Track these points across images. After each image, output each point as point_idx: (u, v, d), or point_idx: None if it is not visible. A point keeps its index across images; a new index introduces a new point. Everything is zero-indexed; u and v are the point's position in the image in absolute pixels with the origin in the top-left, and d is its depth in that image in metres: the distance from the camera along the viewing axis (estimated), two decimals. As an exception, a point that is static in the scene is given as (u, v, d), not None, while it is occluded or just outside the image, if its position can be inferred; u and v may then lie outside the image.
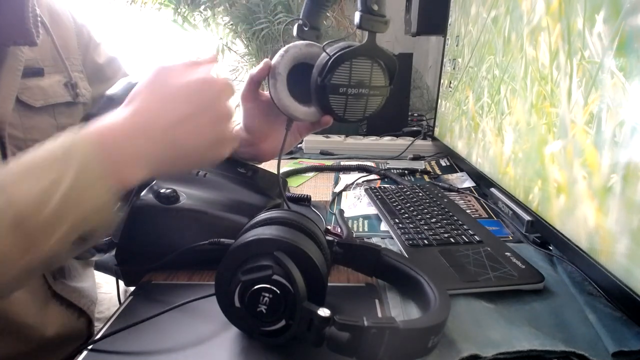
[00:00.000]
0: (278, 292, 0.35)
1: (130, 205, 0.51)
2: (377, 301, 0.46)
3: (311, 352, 0.37)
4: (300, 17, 0.60)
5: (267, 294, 0.35)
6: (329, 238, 0.46)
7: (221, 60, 1.95)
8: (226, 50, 1.92)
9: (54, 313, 0.57)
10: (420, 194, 0.75)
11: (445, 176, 0.95)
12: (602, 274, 0.45)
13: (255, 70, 0.57)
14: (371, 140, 1.20)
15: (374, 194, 0.76)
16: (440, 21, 1.13)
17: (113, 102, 0.51)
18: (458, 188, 0.84)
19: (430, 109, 1.56)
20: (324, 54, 0.53)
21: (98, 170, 0.33)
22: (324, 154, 1.17)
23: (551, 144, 0.57)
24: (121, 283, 0.56)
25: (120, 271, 0.54)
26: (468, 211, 0.71)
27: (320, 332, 0.33)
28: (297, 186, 0.89)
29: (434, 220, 0.64)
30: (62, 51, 0.59)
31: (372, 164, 1.03)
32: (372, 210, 0.73)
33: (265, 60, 0.57)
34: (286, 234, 0.38)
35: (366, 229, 0.68)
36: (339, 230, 0.64)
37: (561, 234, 0.54)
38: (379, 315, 0.44)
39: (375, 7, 0.50)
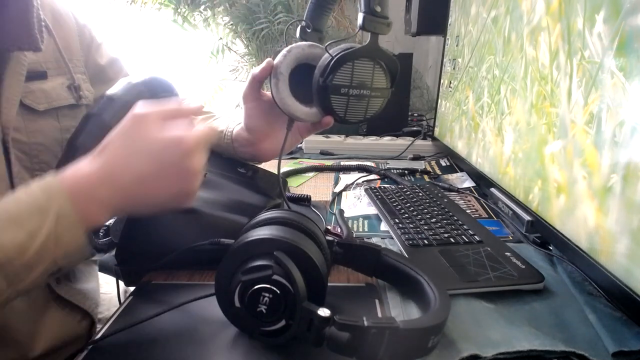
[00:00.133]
0: (278, 292, 0.35)
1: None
2: (377, 301, 0.46)
3: (311, 352, 0.37)
4: (304, 18, 0.60)
5: (267, 294, 0.35)
6: (329, 238, 0.46)
7: (221, 60, 1.96)
8: (226, 50, 1.92)
9: (52, 320, 0.56)
10: (420, 194, 0.75)
11: (445, 176, 0.95)
12: (602, 274, 0.46)
13: (257, 69, 0.57)
14: (371, 140, 1.20)
15: (374, 194, 0.76)
16: (440, 21, 1.13)
17: (113, 102, 0.51)
18: (458, 188, 0.84)
19: (430, 109, 1.56)
20: (326, 54, 0.53)
21: (72, 218, 0.38)
22: (324, 154, 1.17)
23: (551, 144, 0.57)
24: (121, 283, 0.56)
25: (120, 271, 0.54)
26: (468, 211, 0.71)
27: (320, 332, 0.33)
28: (297, 186, 0.89)
29: (434, 220, 0.64)
30: (64, 53, 0.59)
31: (372, 164, 1.03)
32: (372, 210, 0.73)
33: (268, 59, 0.57)
34: (286, 234, 0.38)
35: (366, 229, 0.68)
36: (339, 230, 0.64)
37: (561, 234, 0.54)
38: (379, 315, 0.44)
39: (378, 9, 0.50)
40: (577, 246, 0.50)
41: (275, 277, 0.35)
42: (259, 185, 0.64)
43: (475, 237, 0.58)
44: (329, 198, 0.81)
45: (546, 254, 0.57)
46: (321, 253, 0.40)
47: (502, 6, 0.75)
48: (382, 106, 0.57)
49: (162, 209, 0.44)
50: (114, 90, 0.52)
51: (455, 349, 0.38)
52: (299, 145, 1.19)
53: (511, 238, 0.63)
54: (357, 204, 0.77)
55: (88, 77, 0.64)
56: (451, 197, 0.76)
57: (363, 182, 0.90)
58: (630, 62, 0.43)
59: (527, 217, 0.62)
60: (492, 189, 0.75)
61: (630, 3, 0.43)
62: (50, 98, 0.56)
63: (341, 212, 0.70)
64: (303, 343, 0.35)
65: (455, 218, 0.64)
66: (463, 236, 0.58)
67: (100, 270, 0.71)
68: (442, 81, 1.15)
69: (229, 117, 0.70)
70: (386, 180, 0.92)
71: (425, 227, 0.61)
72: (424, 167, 1.03)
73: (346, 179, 0.92)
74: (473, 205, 0.76)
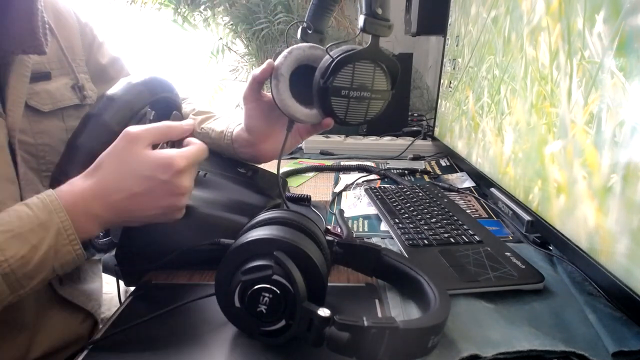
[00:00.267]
0: (278, 292, 0.35)
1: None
2: (377, 301, 0.46)
3: (311, 352, 0.37)
4: (305, 19, 0.60)
5: (267, 294, 0.35)
6: (329, 238, 0.46)
7: (221, 60, 1.96)
8: (226, 50, 1.92)
9: (54, 321, 0.56)
10: (420, 194, 0.75)
11: (445, 176, 0.95)
12: (602, 274, 0.45)
13: (258, 70, 0.57)
14: (371, 140, 1.20)
15: (374, 194, 0.76)
16: (440, 21, 1.13)
17: (113, 102, 0.51)
18: (458, 188, 0.84)
19: (430, 109, 1.56)
20: (327, 56, 0.53)
21: (71, 232, 0.42)
22: (324, 154, 1.17)
23: (551, 144, 0.57)
24: (122, 283, 0.56)
25: (120, 271, 0.54)
26: (468, 211, 0.71)
27: (320, 332, 0.33)
28: (297, 186, 0.89)
29: (434, 220, 0.64)
30: (67, 53, 0.59)
31: (372, 164, 1.03)
32: (372, 210, 0.73)
33: (269, 60, 0.57)
34: (286, 234, 0.38)
35: (366, 229, 0.68)
36: (339, 230, 0.64)
37: (561, 234, 0.54)
38: (379, 315, 0.44)
39: (380, 11, 0.50)
40: (577, 246, 0.50)
41: (275, 277, 0.35)
42: (259, 185, 0.64)
43: (475, 237, 0.58)
44: (329, 198, 0.81)
45: (546, 254, 0.57)
46: (321, 253, 0.40)
47: (502, 6, 0.75)
48: (383, 108, 0.57)
49: (150, 223, 0.47)
50: (113, 90, 0.52)
51: (455, 349, 0.38)
52: (299, 146, 1.19)
53: (511, 238, 0.63)
54: (357, 204, 0.77)
55: (90, 77, 0.64)
56: (451, 197, 0.76)
57: (363, 182, 0.90)
58: (630, 62, 0.43)
59: (527, 217, 0.62)
60: (492, 189, 0.75)
61: (630, 3, 0.43)
62: (55, 99, 0.56)
63: (341, 212, 0.70)
64: (303, 343, 0.35)
65: (455, 218, 0.64)
66: (463, 236, 0.58)
67: (102, 270, 0.71)
68: (442, 81, 1.15)
69: (229, 117, 0.70)
70: (386, 180, 0.92)
71: (425, 227, 0.61)
72: (424, 167, 1.03)
73: (346, 179, 0.92)
74: (473, 205, 0.76)
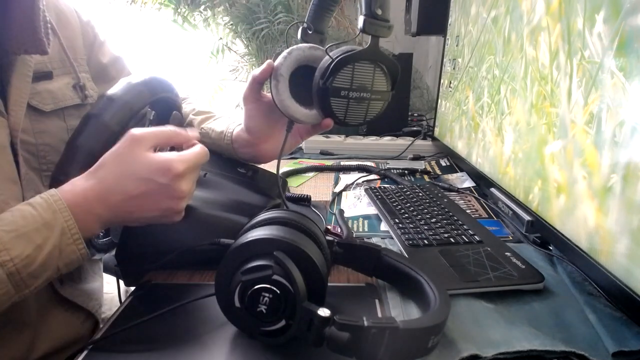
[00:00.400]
0: (278, 292, 0.35)
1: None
2: (377, 301, 0.46)
3: (311, 352, 0.37)
4: (305, 20, 0.60)
5: (267, 294, 0.35)
6: (329, 238, 0.46)
7: (221, 60, 1.95)
8: (226, 50, 1.92)
9: (55, 321, 0.56)
10: (420, 194, 0.75)
11: (445, 176, 0.95)
12: (602, 274, 0.46)
13: (257, 71, 0.57)
14: (371, 140, 1.20)
15: (374, 194, 0.76)
16: (440, 21, 1.13)
17: (113, 102, 0.51)
18: (458, 188, 0.84)
19: (430, 109, 1.56)
20: (326, 56, 0.53)
21: (75, 232, 0.42)
22: (324, 154, 1.17)
23: (551, 144, 0.57)
24: (122, 283, 0.56)
25: (120, 271, 0.54)
26: (468, 211, 0.71)
27: (320, 332, 0.33)
28: (297, 186, 0.89)
29: (434, 220, 0.64)
30: (69, 52, 0.59)
31: (372, 164, 1.03)
32: (372, 210, 0.73)
33: (268, 61, 0.56)
34: (286, 234, 0.38)
35: (366, 229, 0.68)
36: (339, 230, 0.64)
37: (561, 234, 0.54)
38: (379, 315, 0.44)
39: (379, 12, 0.50)
40: (577, 246, 0.50)
41: (275, 277, 0.35)
42: (259, 185, 0.64)
43: (475, 237, 0.58)
44: (329, 198, 0.81)
45: (546, 254, 0.57)
46: (321, 253, 0.40)
47: (502, 6, 0.75)
48: (383, 109, 0.57)
49: (149, 224, 0.47)
50: (113, 90, 0.52)
51: (455, 349, 0.38)
52: (299, 146, 1.19)
53: (511, 238, 0.63)
54: (357, 204, 0.77)
55: (91, 76, 0.64)
56: (451, 197, 0.76)
57: (363, 182, 0.90)
58: (630, 62, 0.43)
59: (527, 217, 0.62)
60: (492, 189, 0.75)
61: (630, 3, 0.43)
62: (57, 98, 0.56)
63: (341, 212, 0.70)
64: (303, 343, 0.35)
65: (455, 218, 0.64)
66: (463, 236, 0.58)
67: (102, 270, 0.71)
68: (442, 81, 1.15)
69: (229, 117, 0.70)
70: (386, 180, 0.92)
71: (425, 227, 0.61)
72: (424, 167, 1.03)
73: (346, 179, 0.92)
74: (473, 205, 0.76)
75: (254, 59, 1.80)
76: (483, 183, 0.83)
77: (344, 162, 1.04)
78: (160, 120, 0.57)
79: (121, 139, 0.45)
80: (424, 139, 1.21)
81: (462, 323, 0.42)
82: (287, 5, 1.63)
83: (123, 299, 0.57)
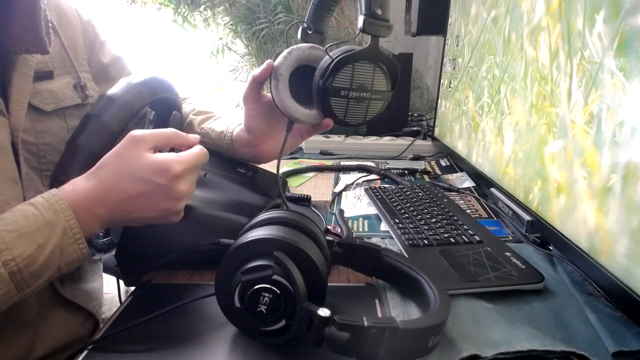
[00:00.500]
0: (278, 292, 0.35)
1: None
2: (377, 301, 0.46)
3: (311, 352, 0.37)
4: (305, 20, 0.60)
5: (267, 294, 0.35)
6: (329, 238, 0.46)
7: (221, 60, 1.95)
8: (226, 50, 1.92)
9: (55, 321, 0.56)
10: (420, 194, 0.75)
11: (445, 176, 0.95)
12: (602, 274, 0.45)
13: (257, 71, 0.57)
14: (371, 140, 1.20)
15: (374, 194, 0.76)
16: (440, 21, 1.13)
17: (113, 103, 0.51)
18: (458, 188, 0.84)
19: (430, 109, 1.56)
20: (326, 56, 0.53)
21: (76, 231, 0.42)
22: (324, 154, 1.17)
23: (551, 144, 0.57)
24: (122, 283, 0.56)
25: (120, 271, 0.54)
26: (468, 211, 0.71)
27: (320, 332, 0.33)
28: (297, 186, 0.89)
29: (434, 220, 0.64)
30: (70, 52, 0.59)
31: (372, 164, 1.03)
32: (372, 210, 0.73)
33: (268, 61, 0.56)
34: (286, 234, 0.38)
35: (366, 229, 0.68)
36: (339, 230, 0.64)
37: (561, 234, 0.54)
38: (379, 315, 0.44)
39: (379, 12, 0.50)
40: (577, 246, 0.50)
41: (275, 277, 0.35)
42: (259, 185, 0.64)
43: (475, 237, 0.58)
44: (329, 198, 0.81)
45: (546, 254, 0.57)
46: (321, 253, 0.40)
47: (502, 6, 0.75)
48: (382, 109, 0.57)
49: (149, 224, 0.47)
50: (113, 90, 0.52)
51: (455, 349, 0.38)
52: (299, 146, 1.19)
53: (511, 238, 0.63)
54: (357, 204, 0.77)
55: (91, 76, 0.63)
56: (451, 197, 0.76)
57: (363, 182, 0.90)
58: (630, 62, 0.43)
59: (527, 217, 0.62)
60: (492, 189, 0.75)
61: (630, 3, 0.43)
62: (58, 98, 0.56)
63: (341, 212, 0.70)
64: (303, 343, 0.35)
65: (455, 218, 0.64)
66: (463, 236, 0.58)
67: (102, 270, 0.71)
68: (442, 81, 1.15)
69: (229, 117, 0.70)
70: (386, 180, 0.92)
71: (425, 227, 0.61)
72: (424, 167, 1.03)
73: (346, 179, 0.92)
74: (473, 205, 0.76)
75: (254, 59, 1.80)
76: (483, 183, 0.83)
77: (344, 162, 1.04)
78: (161, 120, 0.57)
79: (121, 139, 0.45)
80: (424, 139, 1.21)
81: (462, 323, 0.42)
82: (287, 5, 1.63)
83: (123, 299, 0.57)
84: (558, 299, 0.47)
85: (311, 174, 0.97)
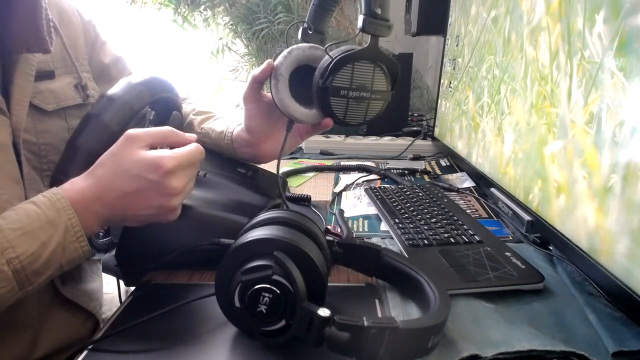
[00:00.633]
0: (278, 292, 0.35)
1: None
2: (377, 301, 0.46)
3: (311, 352, 0.37)
4: (305, 20, 0.60)
5: (267, 294, 0.35)
6: (329, 238, 0.46)
7: (221, 60, 1.95)
8: (226, 50, 1.92)
9: (56, 322, 0.55)
10: (420, 194, 0.75)
11: (445, 176, 0.95)
12: (602, 274, 0.45)
13: (257, 70, 0.57)
14: (371, 140, 1.20)
15: (374, 194, 0.76)
16: (440, 21, 1.13)
17: (113, 103, 0.51)
18: (458, 188, 0.84)
19: (430, 109, 1.56)
20: (326, 56, 0.53)
21: (78, 229, 0.43)
22: (324, 154, 1.17)
23: (551, 144, 0.57)
24: (122, 283, 0.55)
25: (120, 271, 0.54)
26: (468, 211, 0.71)
27: (320, 332, 0.33)
28: (297, 186, 0.89)
29: (434, 220, 0.64)
30: (71, 51, 0.59)
31: (372, 164, 1.03)
32: (372, 210, 0.73)
33: (268, 60, 0.56)
34: (286, 234, 0.38)
35: (366, 229, 0.68)
36: (339, 230, 0.64)
37: (561, 234, 0.54)
38: (379, 315, 0.44)
39: (379, 11, 0.50)
40: (577, 246, 0.50)
41: (275, 277, 0.35)
42: (259, 185, 0.64)
43: (475, 237, 0.58)
44: (329, 198, 0.81)
45: (546, 254, 0.57)
46: (321, 253, 0.40)
47: (502, 6, 0.75)
48: (382, 109, 0.57)
49: (146, 223, 0.47)
50: (113, 90, 0.52)
51: (455, 349, 0.38)
52: (299, 145, 1.19)
53: (511, 238, 0.63)
54: (357, 204, 0.77)
55: (92, 76, 0.64)
56: (451, 197, 0.76)
57: (363, 182, 0.90)
58: (630, 62, 0.43)
59: (527, 217, 0.62)
60: (492, 189, 0.75)
61: (630, 3, 0.43)
62: (59, 98, 0.56)
63: (341, 212, 0.70)
64: (303, 343, 0.35)
65: (455, 218, 0.64)
66: (463, 236, 0.58)
67: (102, 270, 0.71)
68: (442, 81, 1.15)
69: (229, 117, 0.70)
70: (386, 180, 0.92)
71: (425, 227, 0.61)
72: (424, 167, 1.03)
73: (346, 179, 0.92)
74: (473, 205, 0.76)
75: (254, 59, 1.80)
76: (483, 183, 0.83)
77: (344, 162, 1.04)
78: (161, 120, 0.57)
79: None
80: (424, 139, 1.21)
81: (462, 323, 0.42)
82: (287, 5, 1.63)
83: (123, 299, 0.57)
84: (558, 299, 0.47)
85: (311, 174, 0.97)
